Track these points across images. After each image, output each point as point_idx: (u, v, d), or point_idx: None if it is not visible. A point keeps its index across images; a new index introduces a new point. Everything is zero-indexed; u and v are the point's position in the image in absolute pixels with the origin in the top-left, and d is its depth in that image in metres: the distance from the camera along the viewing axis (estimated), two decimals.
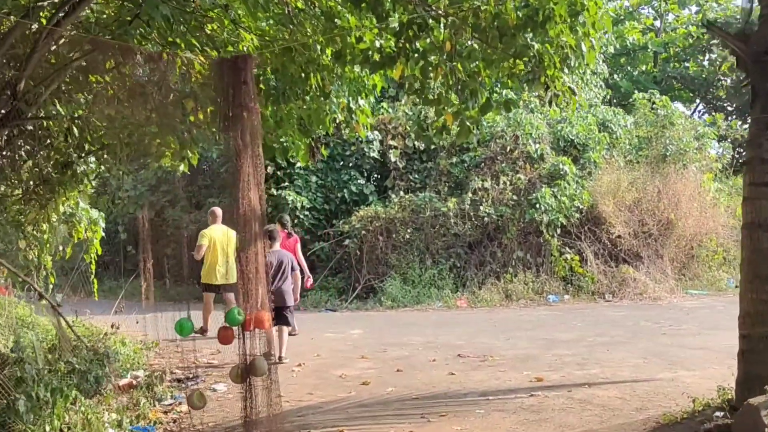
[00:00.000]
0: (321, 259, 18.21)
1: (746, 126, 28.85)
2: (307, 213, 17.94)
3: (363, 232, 17.43)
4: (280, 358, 9.74)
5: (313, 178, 18.32)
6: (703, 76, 30.30)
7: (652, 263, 17.19)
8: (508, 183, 17.52)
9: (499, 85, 9.36)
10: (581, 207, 17.39)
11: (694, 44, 30.32)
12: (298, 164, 17.78)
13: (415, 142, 18.40)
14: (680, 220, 17.41)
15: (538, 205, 16.96)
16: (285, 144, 9.98)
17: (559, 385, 8.07)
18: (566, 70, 8.99)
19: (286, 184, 18.10)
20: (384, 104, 19.26)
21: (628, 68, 31.16)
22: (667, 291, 16.47)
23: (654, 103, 19.71)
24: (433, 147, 18.67)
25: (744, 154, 6.15)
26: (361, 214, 17.66)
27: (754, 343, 5.86)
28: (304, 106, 9.24)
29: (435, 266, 17.17)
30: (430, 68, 7.92)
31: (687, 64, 31.04)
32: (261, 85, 8.70)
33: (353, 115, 9.94)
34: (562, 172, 17.58)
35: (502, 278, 16.93)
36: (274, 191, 17.81)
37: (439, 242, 17.39)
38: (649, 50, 30.24)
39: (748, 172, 6.03)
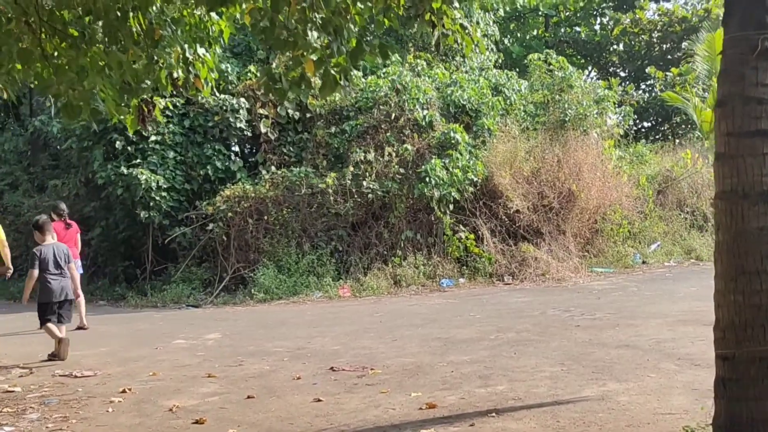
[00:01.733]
0: (183, 247, 15.83)
1: (641, 91, 27.92)
2: (164, 194, 15.45)
3: (230, 214, 15.22)
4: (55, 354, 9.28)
5: (171, 154, 15.80)
6: (596, 39, 29.13)
7: (553, 240, 15.55)
8: (394, 154, 15.52)
9: (373, 25, 7.33)
10: (475, 179, 15.60)
11: (585, 7, 29.10)
12: (152, 137, 15.38)
13: (289, 111, 16.19)
14: (582, 191, 15.82)
15: (428, 179, 15.01)
16: (101, 107, 7.77)
17: (457, 414, 6.04)
18: (456, 4, 7.29)
19: (139, 160, 15.50)
20: (252, 68, 16.87)
21: (519, 34, 29.73)
22: (571, 270, 14.86)
23: (550, 64, 18.04)
24: (309, 116, 16.57)
25: (718, 91, 4.12)
26: (228, 194, 15.42)
27: (741, 369, 3.93)
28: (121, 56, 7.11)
29: (314, 251, 15.07)
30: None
31: (578, 29, 29.82)
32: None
33: (191, 68, 7.97)
34: (453, 141, 15.71)
35: (390, 262, 15.00)
36: (124, 170, 15.28)
37: (318, 224, 15.30)
38: (540, 13, 28.78)
39: (724, 117, 4.09)
